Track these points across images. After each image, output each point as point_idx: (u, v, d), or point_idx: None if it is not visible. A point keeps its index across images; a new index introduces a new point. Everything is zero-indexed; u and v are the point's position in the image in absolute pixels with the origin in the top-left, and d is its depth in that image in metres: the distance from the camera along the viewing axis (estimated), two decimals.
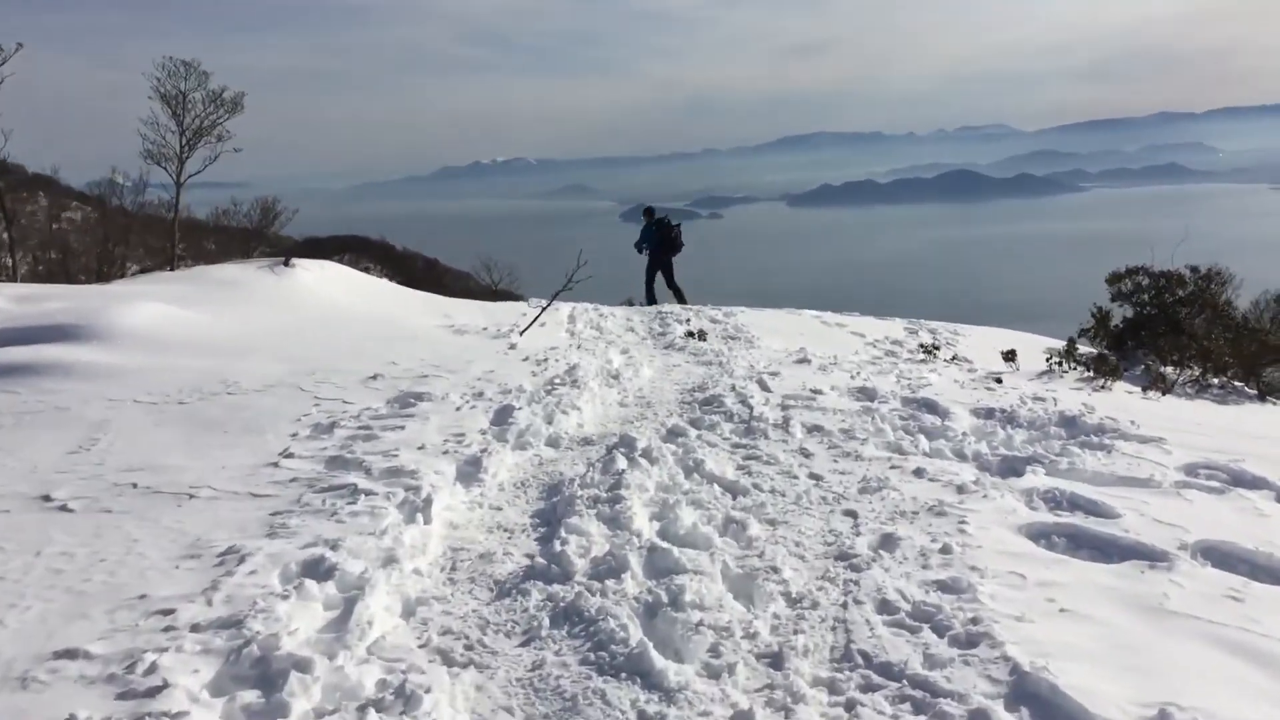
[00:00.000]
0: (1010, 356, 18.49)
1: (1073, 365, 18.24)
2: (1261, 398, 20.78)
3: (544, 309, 15.87)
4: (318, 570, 5.62)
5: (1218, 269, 24.62)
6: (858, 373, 12.35)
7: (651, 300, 21.77)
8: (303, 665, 4.49)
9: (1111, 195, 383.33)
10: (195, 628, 4.90)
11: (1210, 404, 18.15)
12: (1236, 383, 20.59)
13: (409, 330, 14.60)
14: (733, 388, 10.73)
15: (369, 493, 7.03)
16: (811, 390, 10.45)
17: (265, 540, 6.16)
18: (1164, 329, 23.48)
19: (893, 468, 7.65)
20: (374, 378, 11.03)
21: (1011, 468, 7.66)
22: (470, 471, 7.82)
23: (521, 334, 14.84)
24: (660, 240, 21.11)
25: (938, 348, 19.08)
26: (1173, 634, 4.66)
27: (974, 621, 4.65)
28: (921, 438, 8.56)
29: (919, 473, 7.43)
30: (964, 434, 8.76)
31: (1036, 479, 7.27)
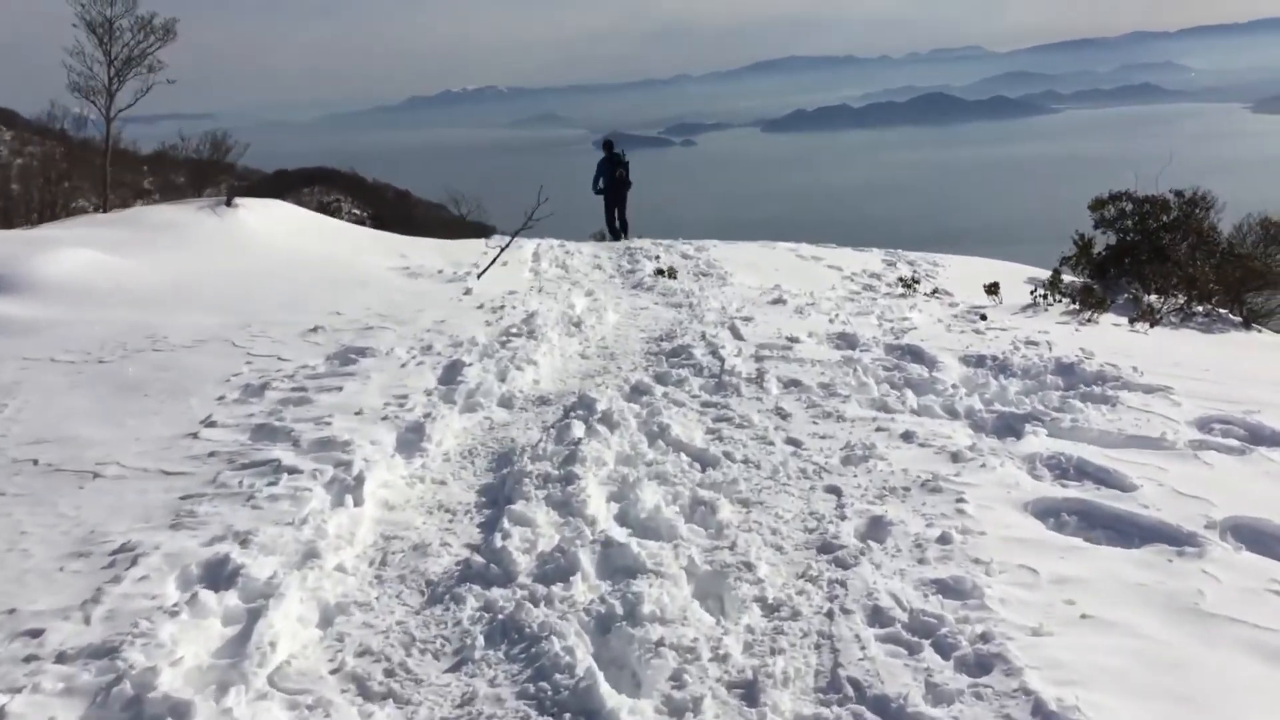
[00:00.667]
0: (993, 290, 17.79)
1: (1057, 298, 17.57)
2: (1246, 325, 20.21)
3: (502, 249, 14.99)
4: (220, 575, 4.83)
5: (1202, 193, 23.91)
6: (836, 314, 11.57)
7: (614, 235, 21.15)
8: (180, 711, 3.72)
9: (1085, 116, 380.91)
10: (62, 657, 4.11)
11: (1197, 334, 17.53)
12: (1220, 310, 20.02)
13: (359, 274, 13.70)
14: (703, 335, 9.94)
15: (294, 470, 6.23)
16: (788, 338, 9.67)
17: (167, 534, 5.36)
18: (1148, 256, 22.83)
19: (879, 429, 6.90)
20: (314, 330, 10.16)
21: (1009, 426, 6.93)
22: (412, 440, 7.03)
23: (479, 277, 13.97)
24: (608, 175, 20.34)
25: (918, 281, 18.37)
26: (1215, 644, 3.96)
27: (984, 638, 3.91)
28: (909, 393, 7.81)
29: (908, 436, 6.67)
30: (954, 386, 8.02)
31: (1038, 441, 6.54)
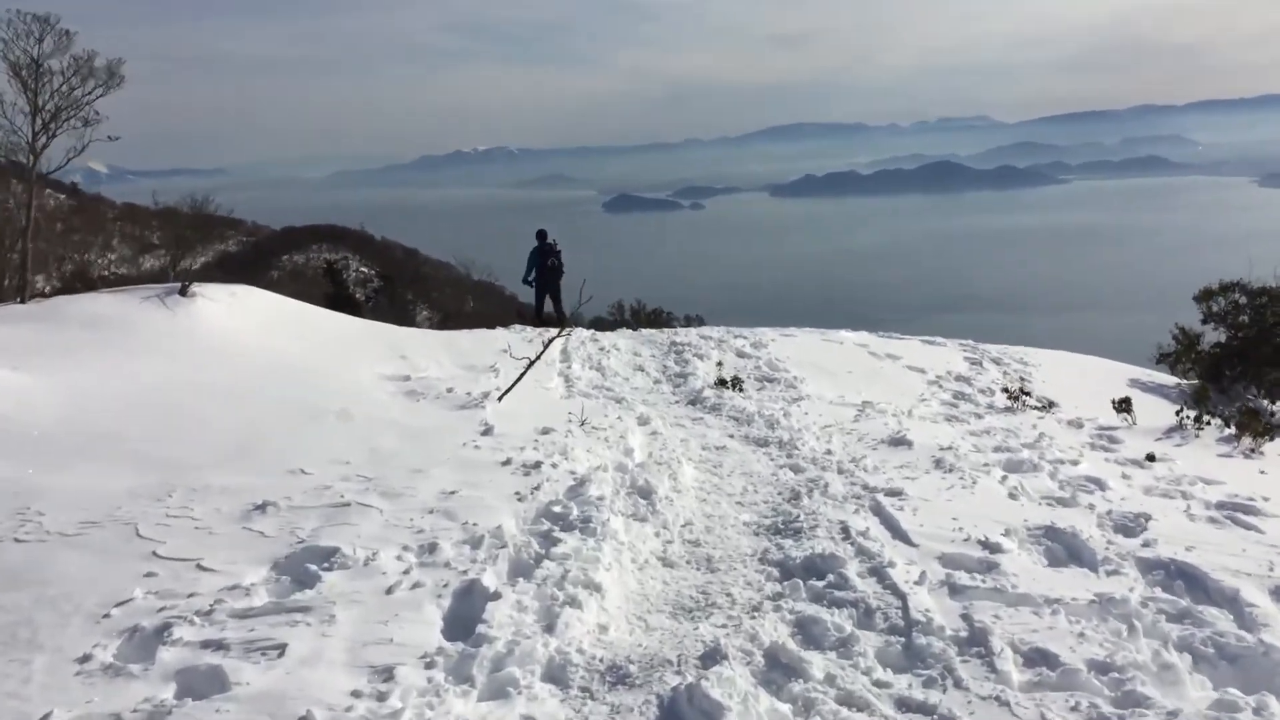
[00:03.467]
0: (1125, 407, 14.59)
1: (1207, 422, 14.31)
2: None
3: (531, 363, 11.72)
4: None
5: None
6: (1004, 476, 8.25)
7: (539, 321, 19.34)
8: None
9: (1093, 187, 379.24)
10: None
11: None
12: None
13: (342, 395, 10.36)
14: (844, 530, 6.57)
15: None
16: (980, 543, 6.30)
17: None
18: (1268, 356, 19.66)
19: None
20: (261, 509, 6.85)
21: None
22: None
23: (501, 399, 10.66)
24: (539, 265, 19.22)
25: (1027, 393, 15.12)
26: None
27: None
28: (1268, 697, 4.46)
29: None
30: None
31: None
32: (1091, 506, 7.24)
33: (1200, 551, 6.09)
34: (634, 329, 25.18)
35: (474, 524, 6.57)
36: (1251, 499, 8.04)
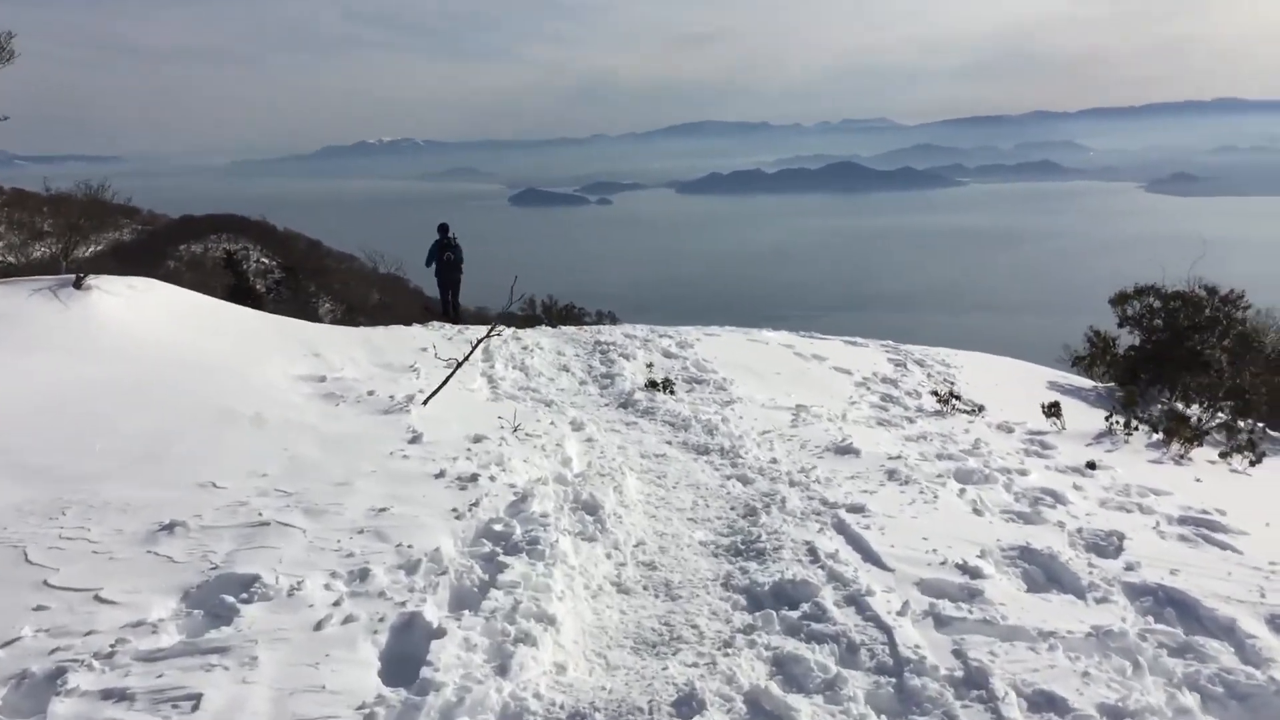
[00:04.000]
0: (1054, 411, 14.56)
1: (1135, 428, 14.36)
2: None
3: (459, 365, 11.05)
4: None
5: (1238, 292, 21.10)
6: (961, 489, 7.92)
7: (445, 314, 19.39)
8: None
9: (989, 190, 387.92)
10: None
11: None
12: (1259, 424, 16.99)
13: (255, 396, 9.58)
14: (810, 550, 6.12)
15: None
16: (959, 567, 5.91)
17: None
18: (1183, 360, 19.92)
19: None
20: (169, 529, 6.13)
21: None
22: None
23: (427, 402, 9.99)
24: (438, 259, 19.39)
25: (956, 396, 14.99)
26: None
27: None
28: None
29: None
30: None
31: None
32: (1061, 524, 6.92)
33: (1186, 575, 5.79)
34: (549, 325, 24.60)
35: (409, 546, 5.96)
36: (1207, 512, 7.86)
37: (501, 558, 5.84)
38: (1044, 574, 5.92)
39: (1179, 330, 20.41)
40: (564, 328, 19.42)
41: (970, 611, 5.20)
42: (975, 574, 5.73)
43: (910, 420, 13.79)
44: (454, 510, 6.60)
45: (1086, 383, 20.95)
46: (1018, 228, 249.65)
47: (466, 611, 5.17)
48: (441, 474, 7.40)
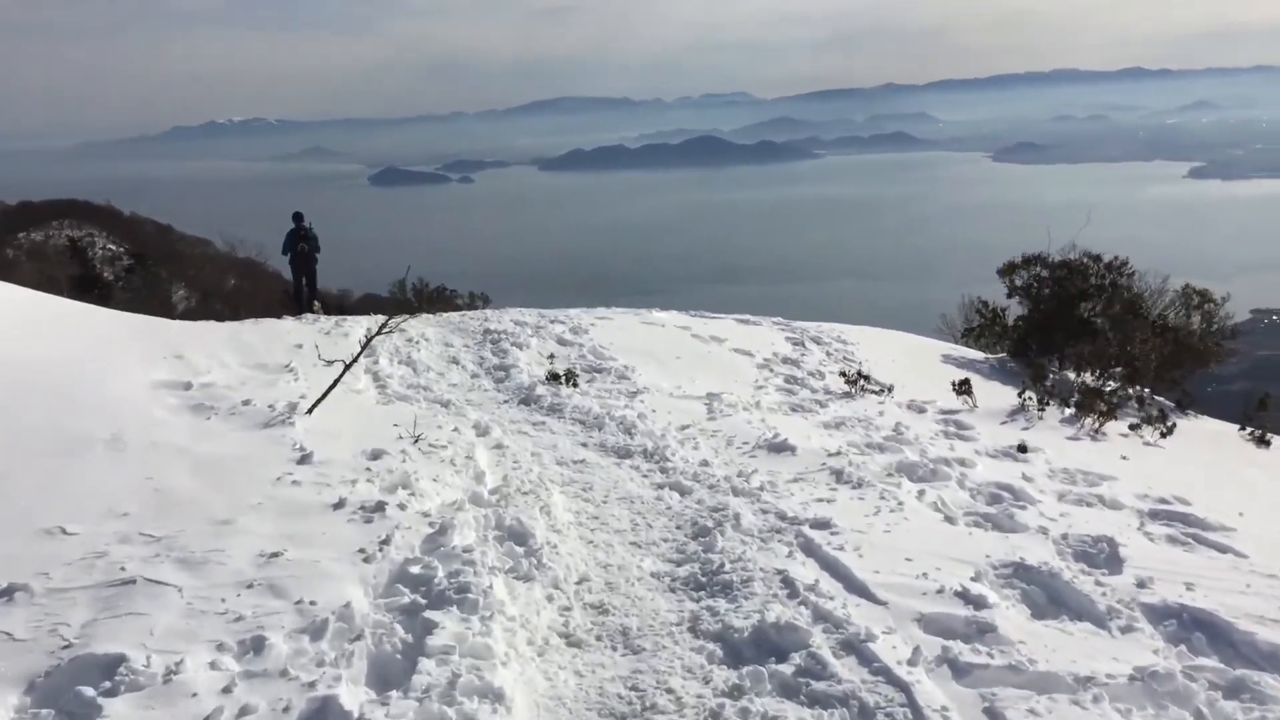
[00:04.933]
0: (965, 388, 14.22)
1: (1047, 402, 14.11)
2: (1181, 408, 17.50)
3: (347, 367, 9.85)
4: None
5: (1123, 258, 21.25)
6: (920, 491, 7.25)
7: (299, 305, 19.01)
8: None
9: (845, 162, 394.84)
10: None
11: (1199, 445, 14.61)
12: (1146, 392, 17.11)
13: (110, 411, 8.28)
14: (787, 583, 5.30)
15: None
16: (956, 594, 5.16)
17: None
18: (1072, 329, 19.96)
19: None
20: (7, 595, 4.95)
21: None
22: None
23: (311, 411, 8.83)
24: (293, 249, 19.03)
25: (865, 376, 14.50)
26: None
27: None
28: None
29: None
30: None
31: None
32: (1044, 531, 6.29)
33: (1204, 591, 5.21)
34: (419, 311, 23.34)
35: (311, 602, 4.93)
36: (1169, 501, 7.41)
37: (427, 613, 4.86)
38: (1046, 595, 5.26)
39: (1067, 299, 20.43)
40: (447, 315, 18.28)
41: (990, 655, 4.46)
42: (979, 603, 5.01)
43: (821, 404, 13.25)
44: (361, 551, 5.57)
45: (978, 355, 20.84)
46: (874, 198, 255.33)
47: (394, 692, 4.19)
48: (341, 503, 6.34)
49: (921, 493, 7.18)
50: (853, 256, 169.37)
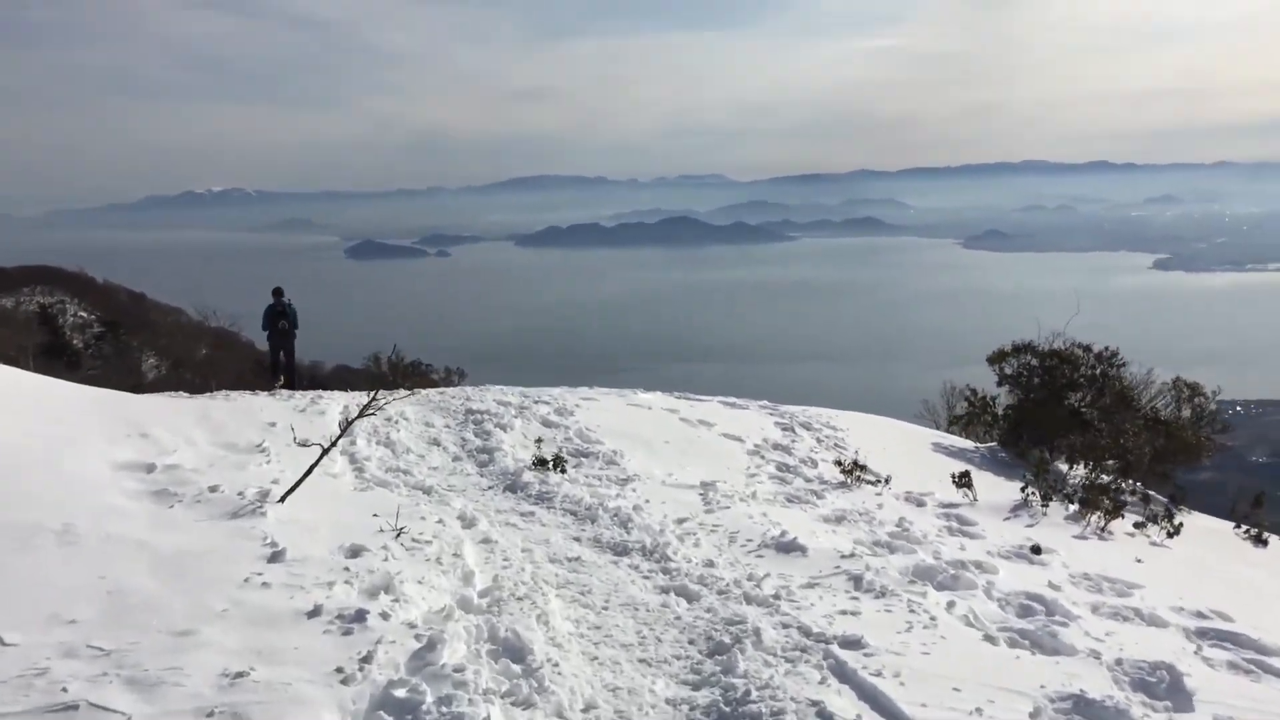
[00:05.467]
0: (964, 481, 13.73)
1: (1050, 498, 13.63)
2: (1174, 504, 17.05)
3: (325, 452, 9.19)
4: None
5: (1113, 349, 20.94)
6: (950, 603, 6.67)
7: (274, 376, 19.00)
8: None
9: (817, 245, 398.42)
10: None
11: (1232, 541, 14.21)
12: (1139, 486, 16.70)
13: (62, 497, 7.59)
14: (818, 711, 4.72)
15: None
16: None
17: None
18: (1064, 420, 19.58)
19: None
20: None
21: None
22: None
23: (285, 499, 8.18)
24: (271, 325, 19.05)
25: (862, 466, 13.99)
26: None
27: None
28: None
29: None
30: None
31: None
32: (1095, 654, 5.72)
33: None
34: (397, 386, 22.69)
35: None
36: (1207, 616, 6.88)
37: None
38: None
39: (1057, 388, 20.09)
40: (426, 392, 17.67)
41: None
42: None
43: (818, 495, 12.74)
44: (339, 670, 4.91)
45: (967, 443, 20.40)
46: (846, 280, 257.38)
47: None
48: (316, 611, 5.67)
49: (951, 604, 6.61)
50: (823, 338, 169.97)
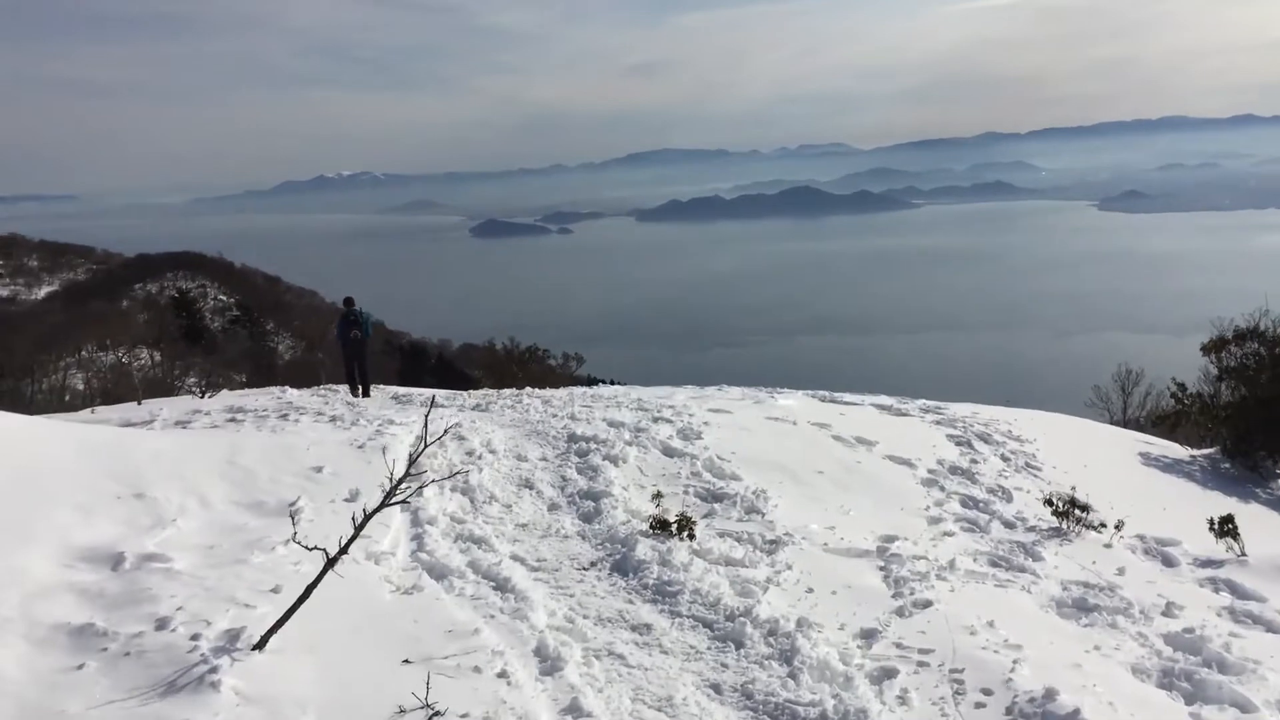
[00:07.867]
0: (1228, 529, 10.28)
1: None
2: None
3: (357, 530, 6.37)
4: None
5: None
6: None
7: (353, 389, 18.17)
8: None
9: (943, 212, 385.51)
10: None
11: None
12: None
13: (13, 608, 4.99)
14: None
15: None
16: None
17: None
18: None
19: None
20: None
21: None
22: None
23: (263, 644, 5.41)
24: (344, 336, 18.50)
25: (1084, 507, 10.64)
26: None
27: None
28: None
29: None
30: None
31: None
32: None
33: None
34: (506, 385, 20.25)
35: None
36: None
37: None
38: None
39: None
40: (527, 400, 14.94)
41: None
42: None
43: (1029, 553, 9.65)
44: None
45: (1180, 450, 16.75)
46: (973, 247, 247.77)
47: None
48: None
49: None
50: (951, 308, 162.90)
